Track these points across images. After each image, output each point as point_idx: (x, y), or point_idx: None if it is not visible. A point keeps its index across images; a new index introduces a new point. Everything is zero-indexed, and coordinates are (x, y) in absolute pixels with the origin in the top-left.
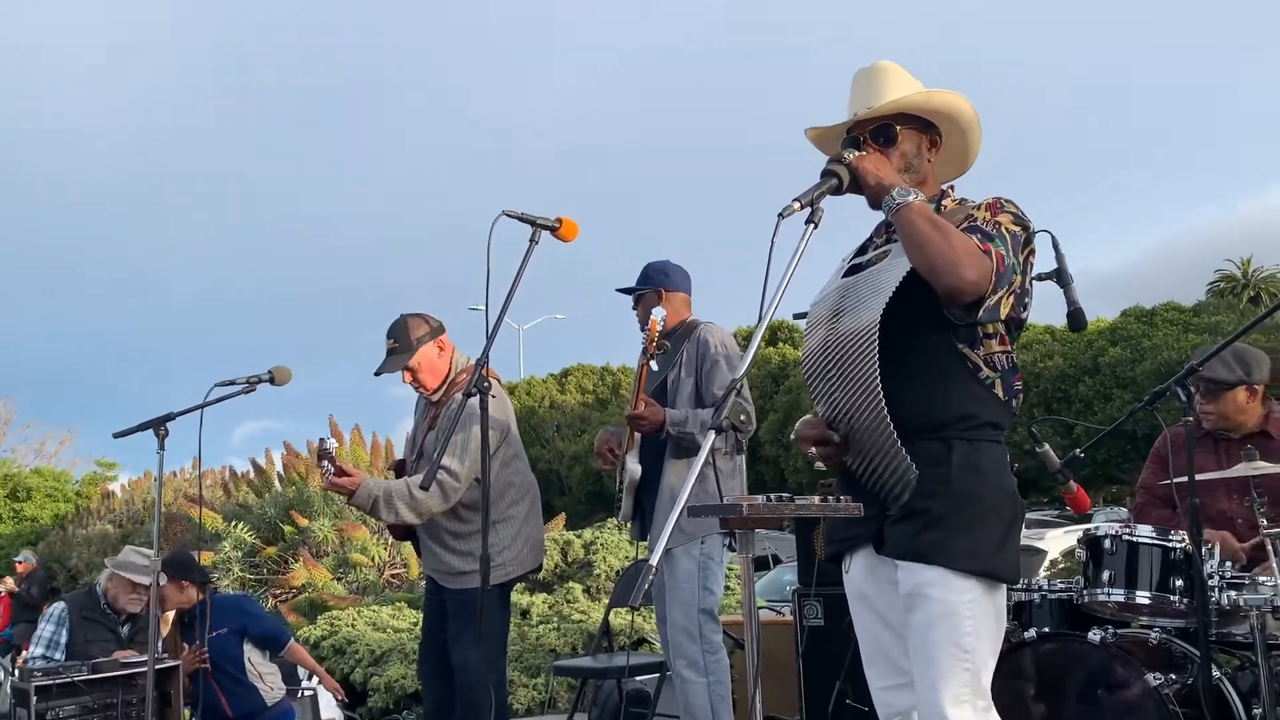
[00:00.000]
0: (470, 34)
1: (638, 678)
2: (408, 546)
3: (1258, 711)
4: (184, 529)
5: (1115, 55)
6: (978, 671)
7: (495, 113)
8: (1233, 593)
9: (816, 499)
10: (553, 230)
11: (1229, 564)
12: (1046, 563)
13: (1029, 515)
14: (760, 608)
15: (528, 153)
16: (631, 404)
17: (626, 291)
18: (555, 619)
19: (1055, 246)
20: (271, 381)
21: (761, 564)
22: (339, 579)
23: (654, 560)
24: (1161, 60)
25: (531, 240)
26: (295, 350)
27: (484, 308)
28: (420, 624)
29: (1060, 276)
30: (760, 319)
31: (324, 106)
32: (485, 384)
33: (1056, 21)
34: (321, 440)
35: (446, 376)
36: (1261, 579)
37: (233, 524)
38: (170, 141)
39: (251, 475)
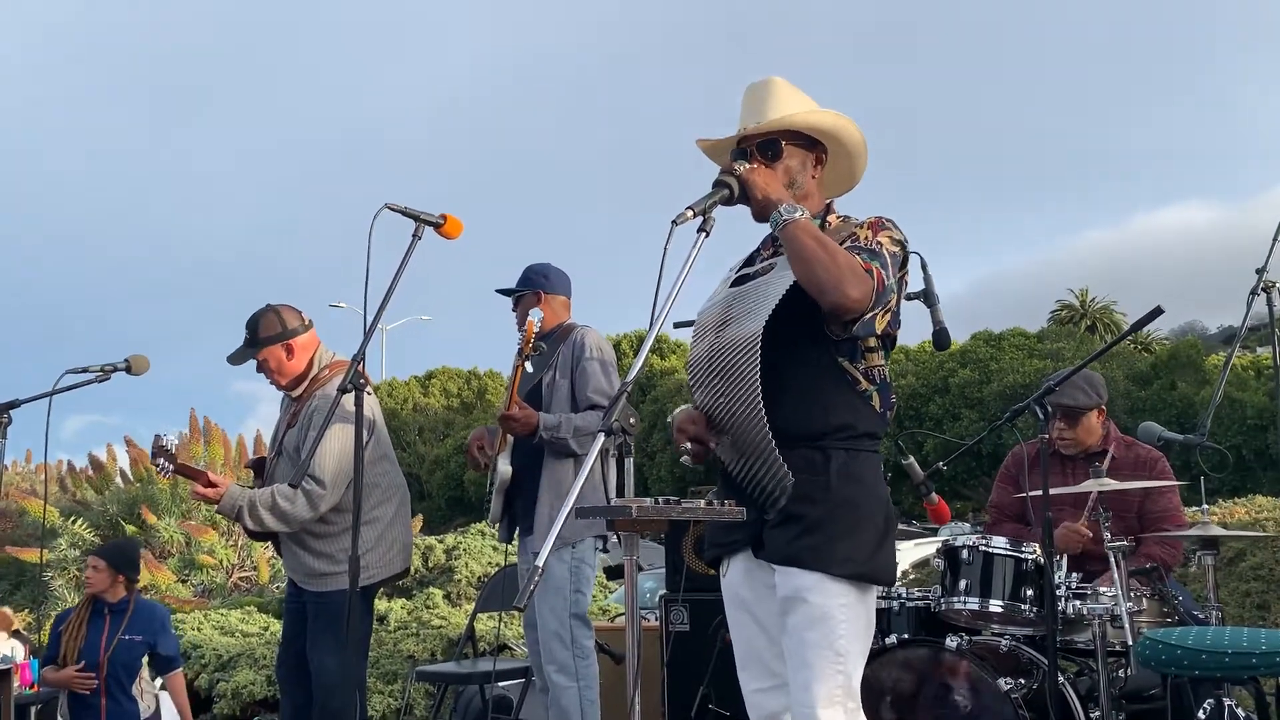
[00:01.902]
0: (349, 28)
1: (501, 684)
2: (258, 549)
3: (1096, 714)
4: (14, 524)
5: (972, 85)
6: (850, 674)
7: (370, 106)
8: (1077, 602)
9: (703, 502)
10: (436, 227)
11: (1069, 572)
12: (899, 574)
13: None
14: (622, 615)
15: (403, 148)
16: (505, 405)
17: (506, 293)
18: (414, 625)
19: (924, 268)
20: (128, 371)
21: (619, 571)
22: (184, 581)
23: (541, 561)
24: (1013, 93)
25: (415, 236)
26: (152, 341)
27: (363, 303)
28: (271, 629)
29: (928, 297)
30: (653, 323)
31: (187, 93)
32: (361, 381)
33: (929, 53)
34: (158, 436)
35: (306, 373)
36: (1103, 590)
37: (70, 520)
38: (31, 133)
39: (90, 471)
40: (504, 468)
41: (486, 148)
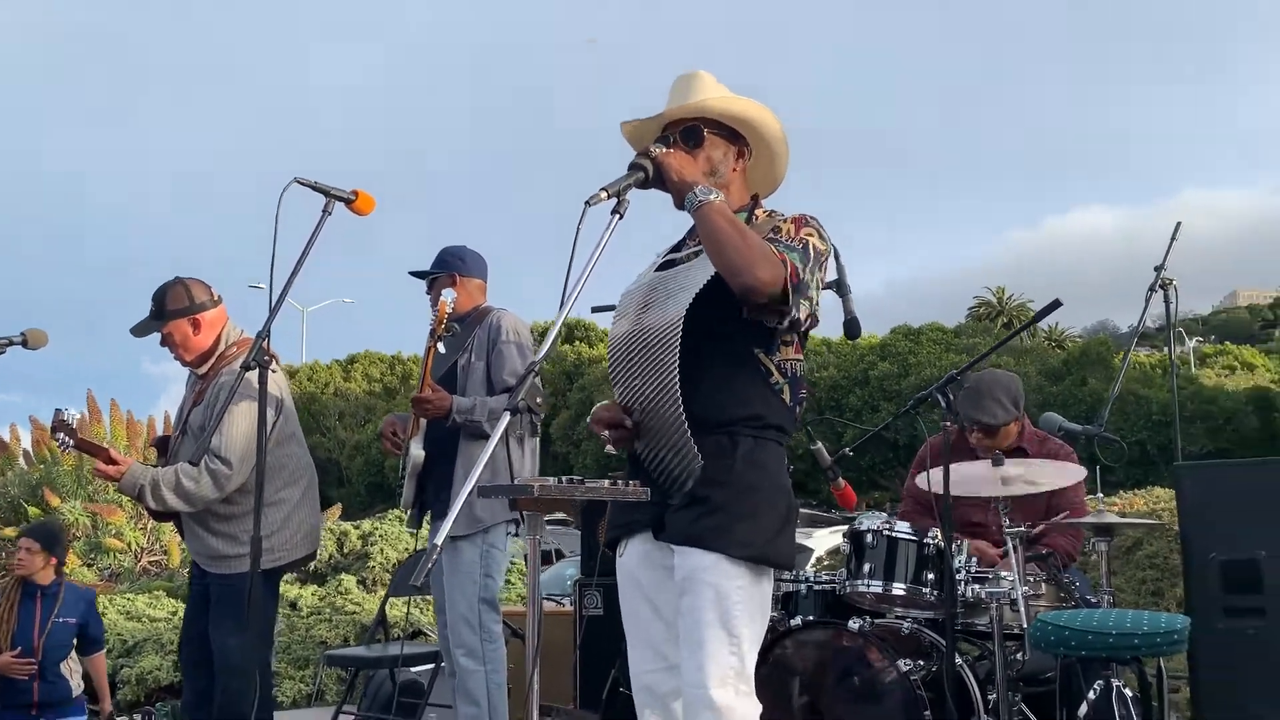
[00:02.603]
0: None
1: (412, 669)
2: (168, 532)
3: (993, 696)
4: None
5: (895, 88)
6: (743, 655)
7: (291, 85)
8: (977, 586)
9: (606, 482)
10: (348, 202)
11: (975, 560)
12: (813, 560)
13: (801, 511)
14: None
15: (326, 129)
16: (418, 388)
17: (420, 275)
18: (327, 611)
19: (836, 258)
20: (24, 344)
21: (544, 558)
22: (90, 564)
23: (439, 539)
24: (931, 96)
25: (324, 211)
26: (59, 321)
27: (269, 280)
28: (179, 613)
29: (840, 287)
30: (563, 303)
31: (113, 68)
32: (266, 358)
33: (845, 50)
34: (58, 410)
35: (212, 350)
36: (1003, 574)
37: None
38: None
39: None
40: (416, 452)
41: (414, 129)
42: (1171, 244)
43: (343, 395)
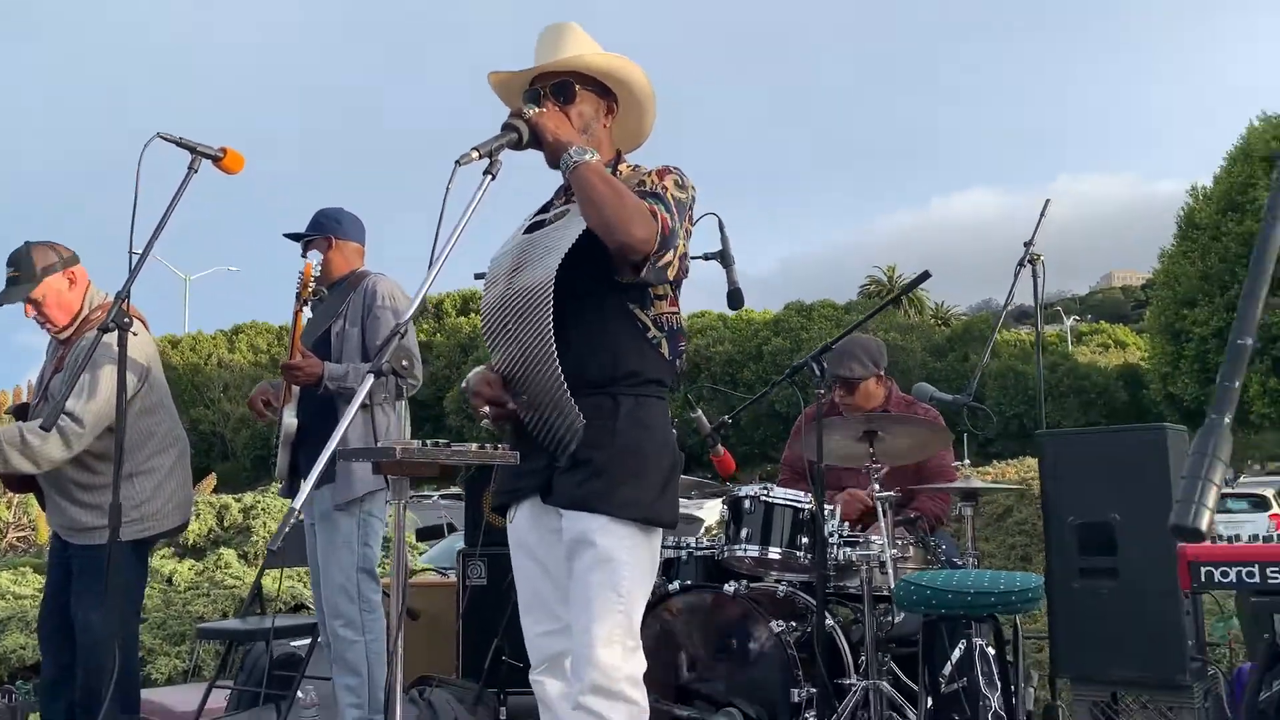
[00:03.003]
0: None
1: (292, 642)
2: (36, 508)
3: (864, 658)
4: None
5: (796, 72)
6: (630, 614)
7: (174, 42)
8: (848, 550)
9: (474, 446)
10: (215, 160)
11: (847, 525)
12: (702, 530)
13: (695, 488)
14: (425, 570)
15: (209, 89)
16: (288, 354)
17: (294, 237)
18: (205, 585)
19: (721, 229)
20: None
21: (435, 533)
22: None
23: (297, 504)
24: (822, 79)
25: (190, 168)
26: None
27: (129, 239)
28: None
29: (724, 257)
30: (432, 264)
31: None
32: (126, 319)
33: (739, 34)
34: None
35: (78, 313)
36: (873, 538)
37: None
38: None
39: None
40: (289, 420)
41: (301, 90)
42: (1040, 221)
43: (227, 367)
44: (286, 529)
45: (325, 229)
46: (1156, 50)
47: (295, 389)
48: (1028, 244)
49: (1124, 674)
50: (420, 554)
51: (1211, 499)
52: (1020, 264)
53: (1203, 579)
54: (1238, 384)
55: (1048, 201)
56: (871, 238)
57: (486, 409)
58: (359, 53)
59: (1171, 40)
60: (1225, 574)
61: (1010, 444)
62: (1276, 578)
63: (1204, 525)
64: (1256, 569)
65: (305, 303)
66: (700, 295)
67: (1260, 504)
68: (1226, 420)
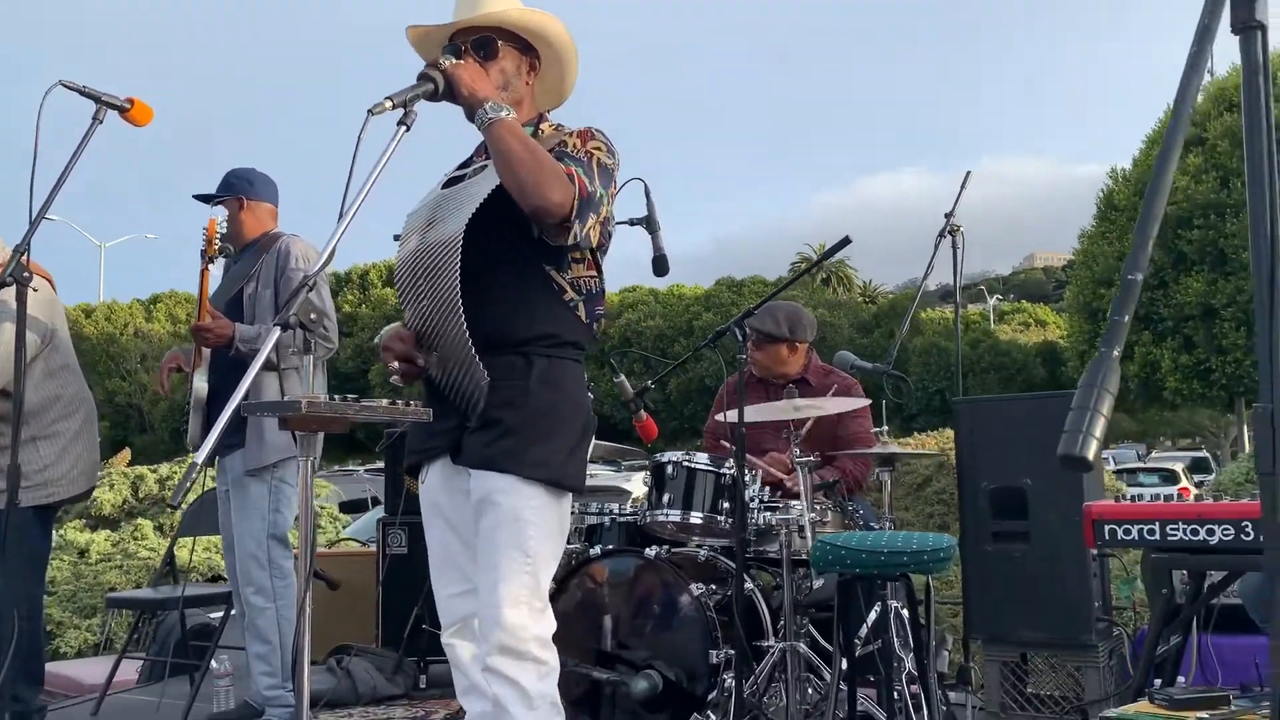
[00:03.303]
0: None
1: (205, 612)
2: None
3: (782, 621)
4: None
5: (714, 51)
6: (537, 574)
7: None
8: (768, 514)
9: (385, 402)
10: (122, 111)
11: (768, 489)
12: (629, 502)
13: (625, 461)
14: (344, 539)
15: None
16: (196, 316)
17: (204, 199)
18: (119, 557)
19: (647, 194)
20: None
21: (359, 506)
22: None
23: (200, 457)
24: (748, 58)
25: (95, 119)
26: None
27: (29, 188)
28: None
29: (649, 223)
30: (342, 215)
31: None
32: (25, 274)
33: (669, 20)
34: None
35: None
36: (793, 503)
37: None
38: None
39: None
40: (199, 384)
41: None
42: (960, 192)
43: (145, 337)
44: (188, 485)
45: (236, 189)
46: (1075, 35)
47: (206, 353)
48: (948, 215)
49: (1033, 635)
50: (345, 526)
51: (1099, 429)
52: (941, 235)
53: (1106, 536)
54: (1127, 318)
55: (968, 173)
56: (800, 218)
57: (396, 364)
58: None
59: (1089, 24)
60: (1128, 532)
61: (933, 419)
62: (1175, 535)
63: (1090, 454)
64: (1157, 527)
65: (211, 260)
66: (631, 270)
67: (1170, 478)
68: (1115, 353)
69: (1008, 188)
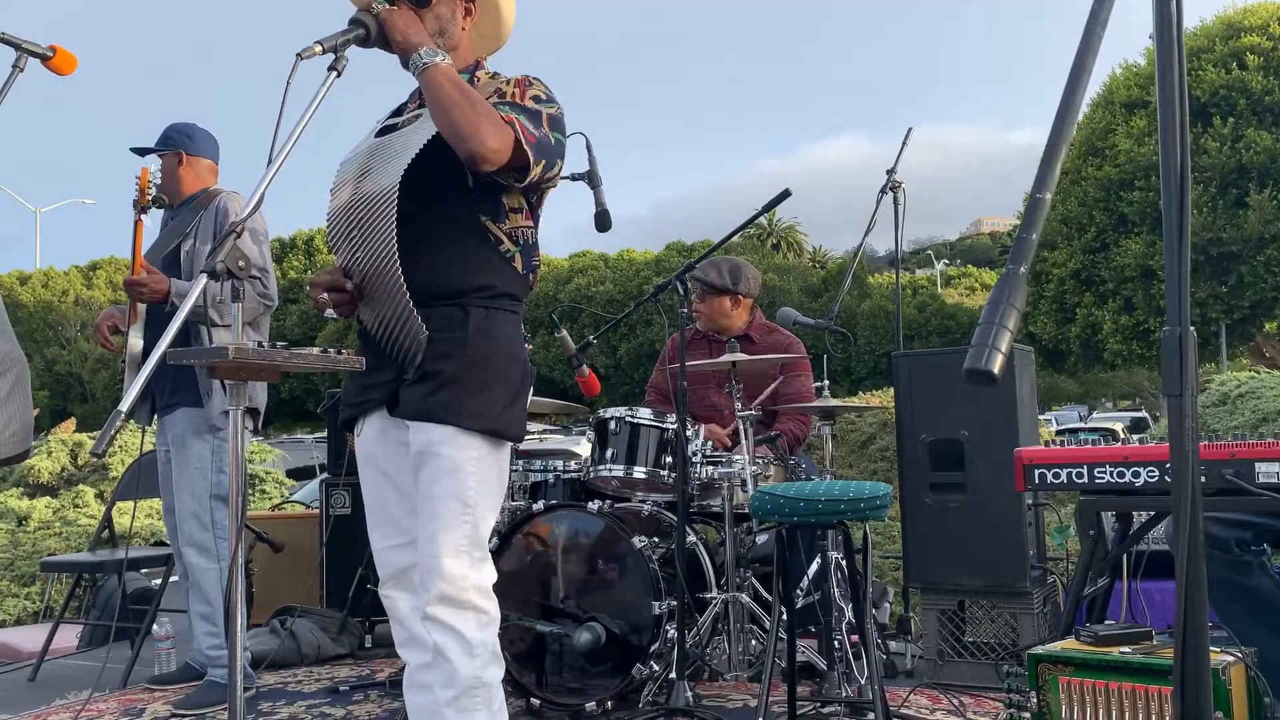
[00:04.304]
0: None
1: (145, 575)
2: None
3: (724, 578)
4: None
5: (660, 26)
6: (477, 524)
7: None
8: (711, 468)
9: (316, 350)
10: (44, 59)
11: (710, 445)
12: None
13: (574, 423)
14: (290, 503)
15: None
16: (130, 270)
17: (142, 152)
18: (58, 525)
19: (589, 149)
20: None
21: (309, 473)
22: None
23: (124, 405)
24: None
25: (15, 66)
26: None
27: None
28: None
29: (591, 177)
30: (271, 161)
31: None
32: None
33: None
34: None
35: None
36: (736, 457)
37: None
38: None
39: None
40: (135, 341)
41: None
42: (902, 149)
43: (84, 305)
44: (113, 433)
45: (175, 144)
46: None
47: (141, 310)
48: (889, 171)
49: (970, 583)
50: (291, 491)
51: (1005, 343)
52: (882, 191)
53: (1036, 480)
54: (1034, 236)
55: (909, 130)
56: (744, 183)
57: (324, 296)
58: None
59: None
60: (1057, 475)
61: (880, 380)
62: (1103, 478)
63: (995, 368)
64: (1085, 470)
65: (144, 210)
66: (581, 235)
67: (1110, 436)
68: (1022, 270)
69: (951, 156)
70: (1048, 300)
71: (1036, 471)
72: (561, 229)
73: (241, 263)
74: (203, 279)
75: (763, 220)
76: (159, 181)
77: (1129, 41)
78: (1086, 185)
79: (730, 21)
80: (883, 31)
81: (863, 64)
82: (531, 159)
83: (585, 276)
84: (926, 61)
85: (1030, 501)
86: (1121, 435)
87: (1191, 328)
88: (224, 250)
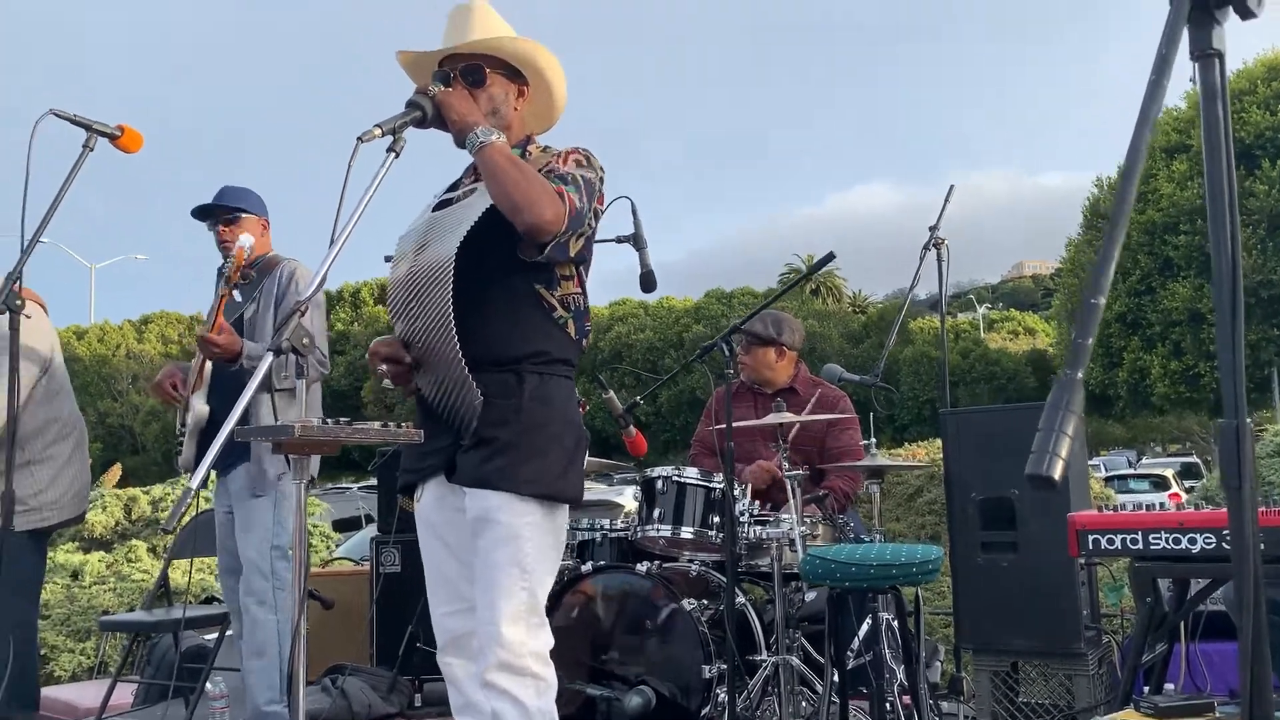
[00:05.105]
0: None
1: (200, 634)
2: None
3: (774, 637)
4: None
5: (723, 64)
6: (534, 590)
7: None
8: (759, 528)
9: (376, 424)
10: (112, 138)
11: (757, 502)
12: (621, 516)
13: (616, 475)
14: (338, 559)
15: (103, 70)
16: (208, 328)
17: (203, 213)
18: (112, 579)
19: (634, 213)
20: None
21: (353, 524)
22: None
23: (194, 483)
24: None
25: (85, 146)
26: None
27: (21, 216)
28: None
29: (636, 240)
30: (333, 241)
31: None
32: (18, 302)
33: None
34: None
35: None
36: (783, 516)
37: None
38: None
39: None
40: (200, 407)
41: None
42: (945, 206)
43: (136, 358)
44: (183, 509)
45: (237, 205)
46: (1045, 47)
47: (207, 374)
48: (933, 228)
49: (1023, 644)
50: (337, 544)
51: (1065, 449)
52: (925, 248)
53: (1090, 546)
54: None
55: (951, 188)
56: (778, 231)
57: (384, 367)
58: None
59: (1059, 37)
60: (1110, 541)
61: (924, 429)
62: (1158, 544)
63: (1056, 474)
64: (1140, 536)
65: (234, 286)
66: (620, 283)
67: (1161, 484)
68: (1079, 376)
69: (982, 200)
70: (1094, 344)
71: (1090, 537)
72: (599, 278)
73: (305, 340)
74: (269, 356)
75: (800, 265)
76: (232, 253)
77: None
78: (1130, 229)
79: (755, 74)
80: (904, 80)
81: (885, 112)
82: (567, 234)
83: (625, 325)
84: (948, 109)
85: (1082, 560)
86: (1173, 482)
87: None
88: (289, 329)
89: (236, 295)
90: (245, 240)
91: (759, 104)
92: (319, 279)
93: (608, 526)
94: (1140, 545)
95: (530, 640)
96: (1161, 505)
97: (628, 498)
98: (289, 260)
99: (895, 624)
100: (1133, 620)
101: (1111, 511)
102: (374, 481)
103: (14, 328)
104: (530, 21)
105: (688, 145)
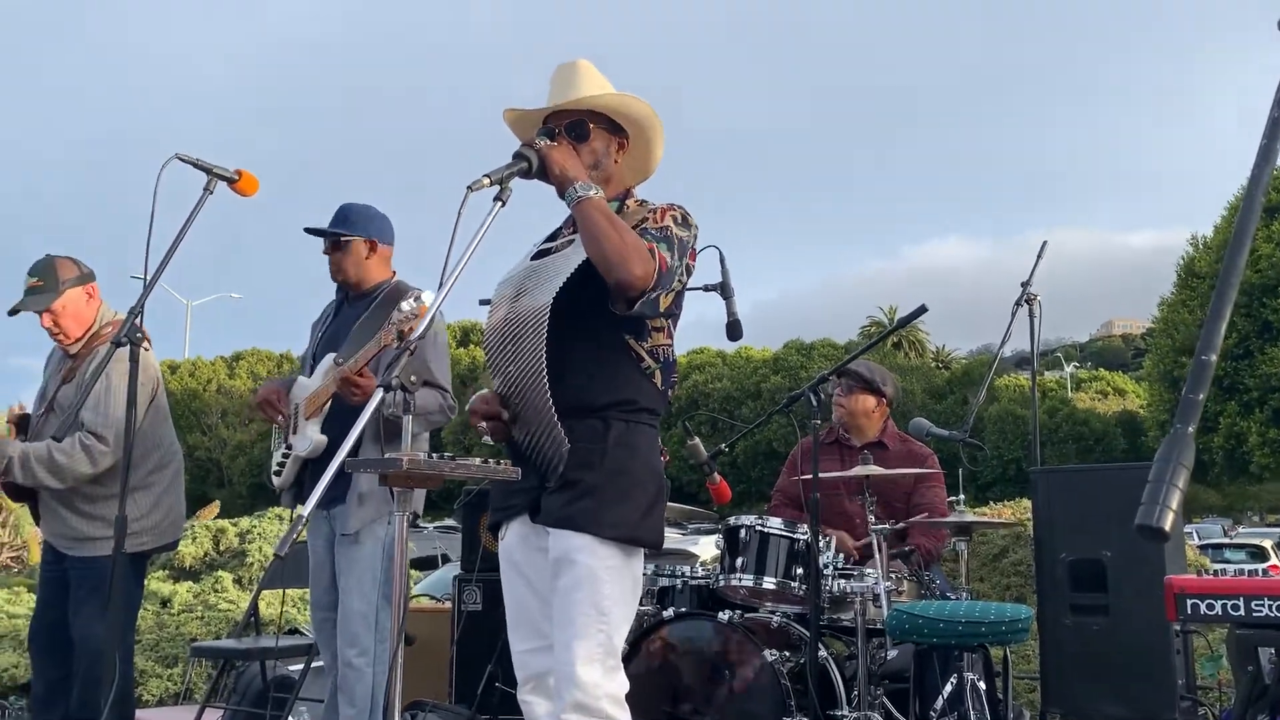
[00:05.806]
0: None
1: (285, 663)
2: (28, 527)
3: (856, 691)
4: None
5: (804, 105)
6: (611, 633)
7: (162, 78)
8: (843, 582)
9: (477, 460)
10: (231, 182)
11: (842, 556)
12: (698, 565)
13: (692, 525)
14: (418, 595)
15: (217, 120)
16: (354, 368)
17: (320, 233)
18: (200, 608)
19: (721, 262)
20: None
21: (430, 563)
22: None
23: (306, 510)
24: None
25: (206, 190)
26: None
27: (145, 259)
28: None
29: (724, 289)
30: (441, 286)
31: None
32: (139, 335)
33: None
34: None
35: (90, 328)
36: (868, 571)
37: None
38: None
39: None
40: (319, 437)
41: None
42: (1037, 262)
43: (226, 393)
44: (294, 536)
45: (363, 228)
46: (1141, 103)
47: (325, 406)
48: (1025, 284)
49: (1114, 711)
50: (415, 582)
51: (1175, 501)
52: (1017, 304)
53: (1189, 611)
54: (1201, 396)
55: (1044, 243)
56: (849, 285)
57: (483, 424)
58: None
59: (1156, 95)
60: (1210, 606)
61: (1009, 488)
62: (1261, 610)
63: (1167, 525)
64: (1241, 602)
65: (408, 346)
66: (698, 332)
67: (1259, 554)
68: (1190, 429)
69: (1068, 258)
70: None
71: (1189, 601)
72: (678, 326)
73: (414, 378)
74: (379, 393)
75: (882, 317)
76: (346, 276)
77: None
78: None
79: (825, 132)
80: (976, 135)
81: (960, 166)
82: (656, 290)
83: (703, 374)
84: (1029, 164)
85: (1178, 628)
86: (1272, 553)
87: None
88: (398, 367)
89: (394, 348)
90: (426, 298)
91: (834, 158)
92: (427, 320)
93: (688, 574)
94: (1242, 612)
95: (606, 683)
96: (1265, 574)
97: (702, 547)
98: (415, 291)
99: (982, 685)
100: (1230, 693)
101: (1211, 576)
102: (450, 521)
103: (134, 359)
104: (632, 80)
105: (747, 197)
